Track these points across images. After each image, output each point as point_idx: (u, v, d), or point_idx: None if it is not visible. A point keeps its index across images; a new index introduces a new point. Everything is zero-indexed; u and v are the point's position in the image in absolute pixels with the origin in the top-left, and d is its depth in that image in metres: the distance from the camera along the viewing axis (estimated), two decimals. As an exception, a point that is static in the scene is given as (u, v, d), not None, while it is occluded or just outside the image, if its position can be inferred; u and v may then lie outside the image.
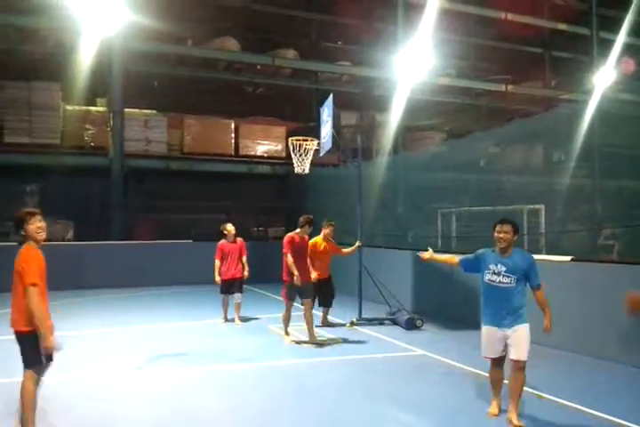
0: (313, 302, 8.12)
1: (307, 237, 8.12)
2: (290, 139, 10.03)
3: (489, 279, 4.71)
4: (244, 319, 9.54)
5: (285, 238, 7.85)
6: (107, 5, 12.83)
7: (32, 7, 13.91)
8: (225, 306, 9.42)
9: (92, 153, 15.22)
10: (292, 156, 9.88)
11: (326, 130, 9.44)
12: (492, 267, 4.69)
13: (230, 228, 9.29)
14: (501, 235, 4.67)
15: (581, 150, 8.00)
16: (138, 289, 13.31)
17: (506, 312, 4.63)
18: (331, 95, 9.37)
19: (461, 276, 9.09)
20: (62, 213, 14.29)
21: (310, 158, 9.85)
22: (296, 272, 7.57)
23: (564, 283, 7.29)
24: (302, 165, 9.84)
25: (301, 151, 9.78)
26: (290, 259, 7.66)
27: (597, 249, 7.87)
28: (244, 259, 9.26)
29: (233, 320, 9.31)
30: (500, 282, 4.64)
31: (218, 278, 9.15)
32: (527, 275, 4.66)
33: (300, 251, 7.85)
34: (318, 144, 9.84)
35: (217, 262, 9.21)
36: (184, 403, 5.29)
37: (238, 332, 8.75)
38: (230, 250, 9.22)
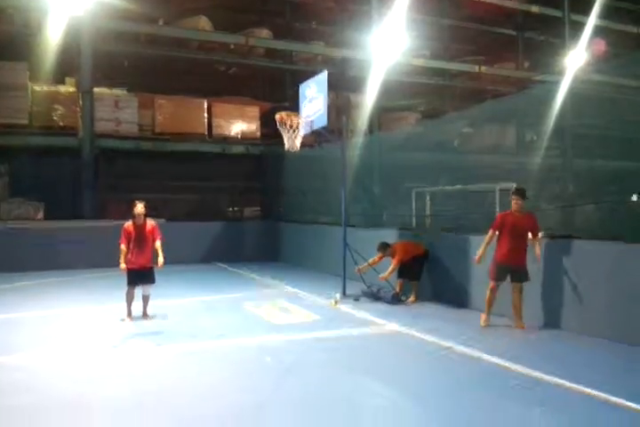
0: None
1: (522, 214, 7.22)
2: (278, 113, 9.89)
3: None
4: (218, 299, 9.50)
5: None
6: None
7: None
8: (130, 300, 7.87)
9: (62, 133, 14.88)
10: (282, 132, 9.75)
11: (317, 107, 9.37)
12: None
13: (139, 206, 7.78)
14: None
15: (553, 131, 8.08)
16: (111, 269, 13.14)
17: None
18: (325, 72, 9.32)
19: (442, 253, 9.19)
20: (32, 194, 14.06)
21: (301, 135, 9.74)
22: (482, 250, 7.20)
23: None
24: (292, 142, 9.72)
25: (288, 128, 9.66)
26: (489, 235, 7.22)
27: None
28: (158, 244, 7.81)
29: (141, 316, 7.97)
30: None
31: (124, 266, 7.69)
32: None
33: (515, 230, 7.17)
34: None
35: (123, 247, 7.70)
36: (161, 382, 5.28)
37: (213, 310, 8.71)
38: (138, 234, 7.80)
